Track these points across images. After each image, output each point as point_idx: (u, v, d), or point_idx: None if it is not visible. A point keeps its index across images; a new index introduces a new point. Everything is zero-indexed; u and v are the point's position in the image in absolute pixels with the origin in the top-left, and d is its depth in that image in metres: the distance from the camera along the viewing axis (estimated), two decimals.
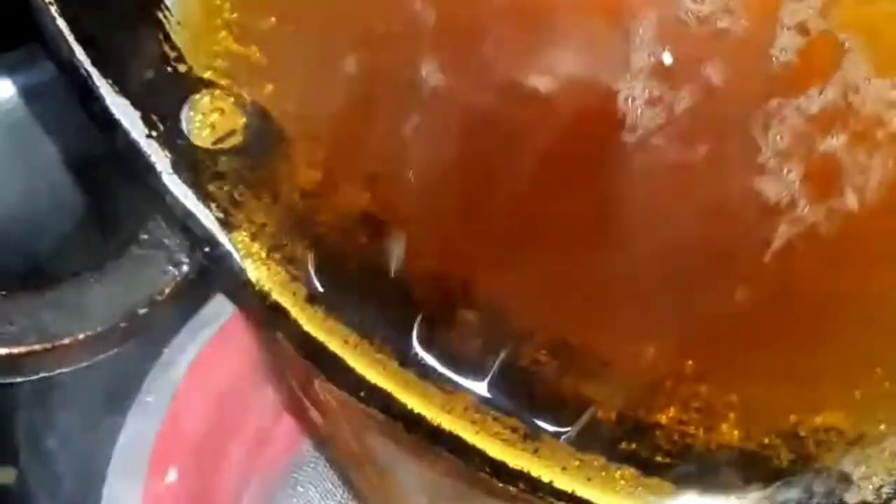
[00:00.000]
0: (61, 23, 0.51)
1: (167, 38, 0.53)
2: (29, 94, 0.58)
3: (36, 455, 0.62)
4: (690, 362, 0.50)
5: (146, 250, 0.50)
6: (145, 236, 0.50)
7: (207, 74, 0.53)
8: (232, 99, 0.52)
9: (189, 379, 0.55)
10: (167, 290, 0.50)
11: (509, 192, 0.52)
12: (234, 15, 0.53)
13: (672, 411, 0.50)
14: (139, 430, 0.53)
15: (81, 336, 0.48)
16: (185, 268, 0.50)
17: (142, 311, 0.49)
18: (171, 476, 0.55)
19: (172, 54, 0.53)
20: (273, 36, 0.53)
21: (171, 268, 0.50)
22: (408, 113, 0.52)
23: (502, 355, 0.50)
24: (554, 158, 0.51)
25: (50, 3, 0.51)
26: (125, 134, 0.50)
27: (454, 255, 0.50)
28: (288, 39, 0.53)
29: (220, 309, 0.55)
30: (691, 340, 0.50)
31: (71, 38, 0.51)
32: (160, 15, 0.53)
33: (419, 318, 0.50)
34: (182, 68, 0.53)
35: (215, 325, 0.56)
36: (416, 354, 0.50)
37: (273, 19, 0.53)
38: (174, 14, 0.54)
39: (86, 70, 0.51)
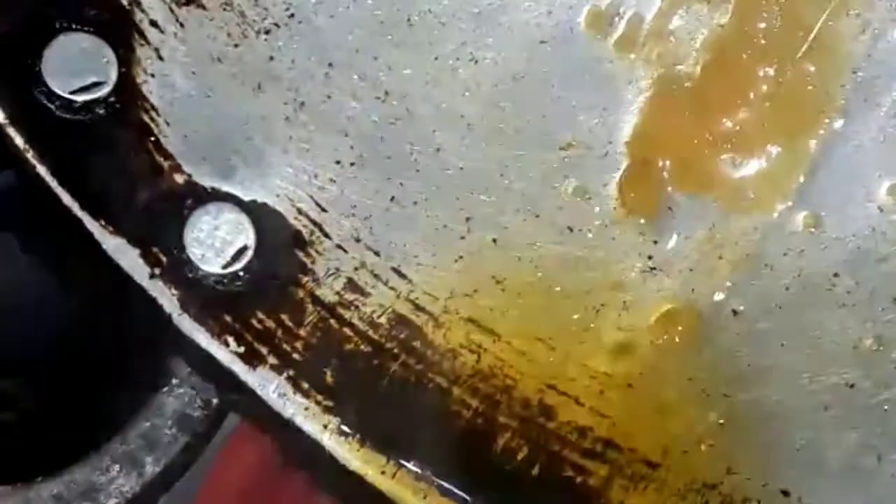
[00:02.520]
0: (42, 169, 0.47)
1: (157, 145, 0.49)
2: None
3: None
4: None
5: (173, 394, 0.48)
6: (175, 381, 0.48)
7: (209, 181, 0.49)
8: (238, 208, 0.48)
9: (214, 472, 0.54)
10: (199, 430, 0.48)
11: None
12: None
13: None
14: None
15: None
16: (215, 401, 0.49)
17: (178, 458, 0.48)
18: None
19: (166, 164, 0.49)
20: None
21: (199, 409, 0.48)
22: None
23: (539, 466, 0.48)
24: None
25: (26, 149, 0.47)
26: (128, 277, 0.47)
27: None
28: None
29: None
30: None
31: (54, 183, 0.47)
32: (146, 118, 0.49)
33: (459, 437, 0.48)
34: (180, 179, 0.49)
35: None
36: (461, 479, 0.48)
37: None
38: (163, 113, 0.49)
39: (75, 216, 0.47)
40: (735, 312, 0.49)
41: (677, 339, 0.48)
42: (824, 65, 0.48)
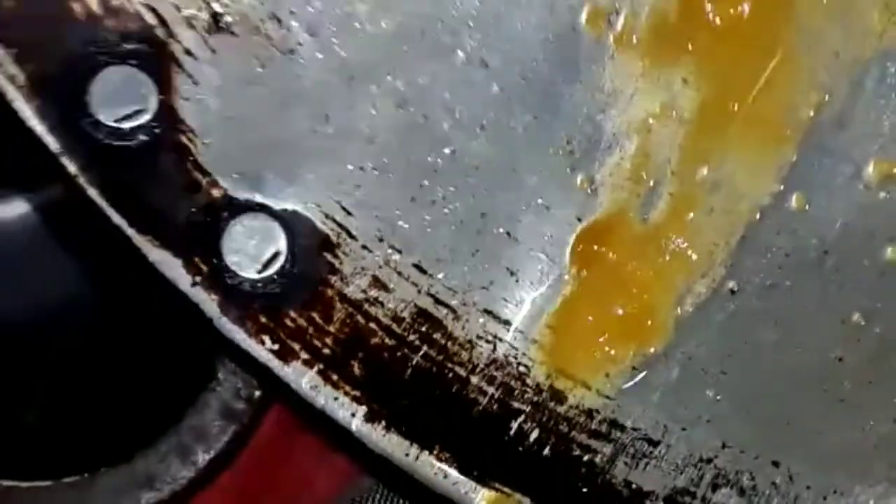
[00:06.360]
0: (93, 192, 0.52)
1: (195, 163, 0.54)
2: None
3: None
4: None
5: (219, 389, 0.54)
6: (221, 376, 0.53)
7: (243, 194, 0.53)
8: (271, 217, 0.53)
9: None
10: (244, 420, 0.54)
11: None
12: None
13: None
14: None
15: None
16: (258, 393, 0.54)
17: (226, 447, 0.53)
18: None
19: (204, 180, 0.54)
20: None
21: (244, 401, 0.54)
22: None
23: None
24: None
25: (77, 175, 0.52)
26: (173, 287, 0.53)
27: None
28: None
29: None
30: None
31: (104, 204, 0.52)
32: (184, 139, 0.54)
33: (476, 422, 0.52)
34: (217, 193, 0.54)
35: None
36: (476, 459, 0.52)
37: None
38: (199, 133, 0.54)
39: (125, 234, 0.53)
40: (733, 291, 0.52)
41: (680, 320, 0.51)
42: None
